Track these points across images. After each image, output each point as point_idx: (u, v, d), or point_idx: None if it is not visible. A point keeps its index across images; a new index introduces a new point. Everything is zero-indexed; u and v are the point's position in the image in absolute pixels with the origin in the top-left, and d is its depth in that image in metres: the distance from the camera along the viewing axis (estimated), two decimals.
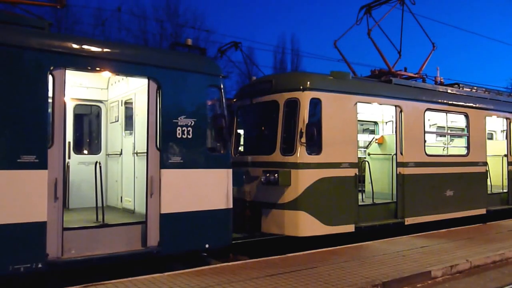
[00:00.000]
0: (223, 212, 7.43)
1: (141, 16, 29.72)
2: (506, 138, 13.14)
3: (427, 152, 10.64)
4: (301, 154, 8.51)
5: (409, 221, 10.07)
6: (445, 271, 7.24)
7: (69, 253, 6.09)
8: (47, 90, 5.95)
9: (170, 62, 7.12)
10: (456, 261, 7.57)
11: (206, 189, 7.25)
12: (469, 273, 7.47)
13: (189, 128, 7.04)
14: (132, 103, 8.13)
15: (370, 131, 12.87)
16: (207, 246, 7.33)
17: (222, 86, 7.59)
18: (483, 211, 11.90)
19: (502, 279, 7.09)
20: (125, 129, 8.61)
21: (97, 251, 6.34)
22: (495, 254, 8.23)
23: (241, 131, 10.50)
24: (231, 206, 7.56)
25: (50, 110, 6.00)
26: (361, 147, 10.48)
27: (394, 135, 10.07)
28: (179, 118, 6.95)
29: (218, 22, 77.70)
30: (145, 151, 6.87)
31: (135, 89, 7.79)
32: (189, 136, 7.05)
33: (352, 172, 9.08)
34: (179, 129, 6.95)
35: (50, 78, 6.00)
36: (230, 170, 7.60)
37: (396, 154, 9.99)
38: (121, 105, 8.60)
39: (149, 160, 6.78)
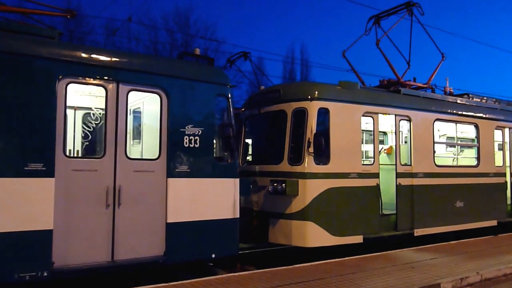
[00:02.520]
0: (230, 221, 7.39)
1: (152, 26, 30.08)
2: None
3: (437, 163, 10.53)
4: (308, 164, 8.47)
5: (418, 232, 9.94)
6: (455, 284, 7.11)
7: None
8: (55, 99, 6.01)
9: (178, 71, 7.16)
10: (466, 274, 7.43)
11: (213, 198, 7.24)
12: (479, 286, 7.33)
13: (196, 137, 7.05)
14: (140, 112, 8.17)
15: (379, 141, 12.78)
16: (213, 256, 7.29)
17: (230, 96, 7.61)
18: (494, 222, 11.71)
19: None
20: (133, 138, 8.64)
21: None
22: (506, 267, 8.07)
23: (249, 141, 10.51)
24: (238, 215, 7.53)
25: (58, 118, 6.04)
26: (369, 157, 10.39)
27: (394, 145, 9.98)
28: (186, 127, 6.97)
29: (228, 32, 78.32)
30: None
31: (143, 98, 7.83)
32: (196, 145, 7.06)
33: (361, 182, 9.02)
34: (186, 138, 6.96)
35: (59, 86, 6.06)
36: (237, 180, 7.58)
37: (396, 164, 9.85)
38: (130, 114, 8.63)
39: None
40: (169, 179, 6.84)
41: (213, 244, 7.26)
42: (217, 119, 7.65)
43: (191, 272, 7.53)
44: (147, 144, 7.62)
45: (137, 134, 8.40)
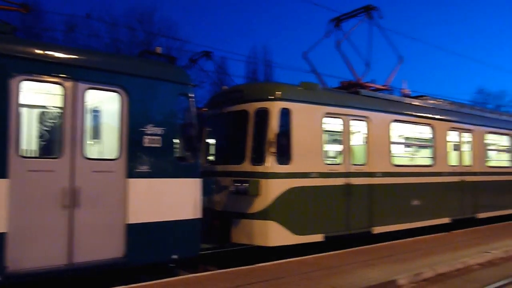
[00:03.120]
0: (191, 222, 7.34)
1: (113, 23, 29.38)
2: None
3: (394, 163, 10.86)
4: (270, 163, 8.54)
5: (376, 230, 10.21)
6: (411, 280, 7.36)
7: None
8: (8, 97, 5.78)
9: (138, 70, 7.04)
10: (421, 269, 7.71)
11: (174, 199, 7.16)
12: (434, 281, 7.62)
13: (157, 137, 6.96)
14: (99, 111, 7.97)
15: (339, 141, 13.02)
16: (175, 257, 7.21)
17: (191, 95, 7.55)
18: (447, 220, 12.20)
19: (464, 286, 7.28)
20: (92, 138, 8.43)
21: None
22: (458, 262, 8.44)
23: (211, 140, 10.47)
24: (200, 216, 7.48)
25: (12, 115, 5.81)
26: (331, 157, 10.58)
27: (352, 145, 10.04)
28: (147, 127, 6.87)
29: (192, 32, 77.54)
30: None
31: (102, 97, 7.65)
32: (158, 145, 6.97)
33: (323, 181, 9.17)
34: (147, 138, 6.86)
35: (12, 84, 5.83)
36: (200, 180, 7.54)
37: (341, 164, 9.79)
38: (88, 113, 8.41)
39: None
40: (129, 180, 6.72)
41: (174, 245, 7.19)
42: (178, 119, 7.57)
43: (152, 273, 7.43)
44: (107, 144, 7.46)
45: (96, 134, 8.20)
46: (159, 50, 7.98)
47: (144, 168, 6.85)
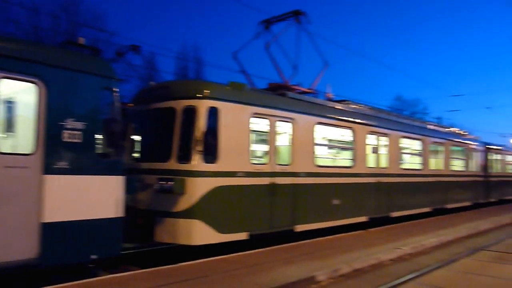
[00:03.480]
0: (113, 220, 7.11)
1: (34, 9, 27.47)
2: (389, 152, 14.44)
3: (317, 163, 11.29)
4: (197, 162, 8.51)
5: (298, 228, 10.55)
6: (329, 275, 7.71)
7: None
8: None
9: (59, 61, 6.68)
10: (339, 266, 8.10)
11: (94, 197, 6.89)
12: (350, 276, 8.03)
13: (78, 132, 6.65)
14: (14, 102, 7.45)
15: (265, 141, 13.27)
16: (94, 257, 6.94)
17: (116, 89, 7.31)
18: (365, 218, 12.91)
19: (377, 280, 7.73)
20: (6, 131, 7.85)
21: None
22: (372, 258, 8.97)
23: (136, 137, 10.18)
24: (122, 214, 7.27)
25: None
26: (257, 157, 10.76)
27: (268, 146, 10.08)
28: (67, 121, 6.54)
29: (120, 24, 74.70)
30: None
31: (18, 87, 7.16)
32: (78, 141, 6.66)
33: (250, 181, 9.30)
34: (66, 133, 6.53)
35: None
36: (123, 177, 7.32)
37: (267, 164, 9.94)
38: (1, 104, 7.83)
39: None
40: (46, 176, 6.35)
41: (94, 244, 6.92)
42: (101, 114, 7.29)
43: (70, 274, 7.09)
44: (22, 138, 6.98)
45: (10, 127, 7.65)
46: (82, 41, 7.62)
47: (62, 164, 6.52)
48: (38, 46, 9.57)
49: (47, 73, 6.44)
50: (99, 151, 7.19)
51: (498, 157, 25.55)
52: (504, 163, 26.37)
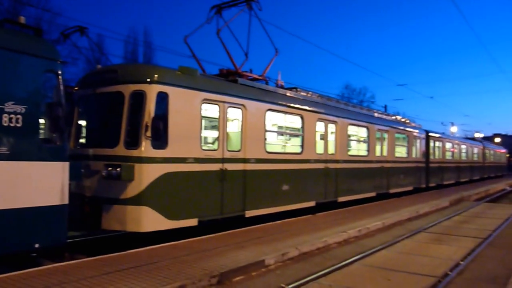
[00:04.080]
0: (57, 208, 6.87)
1: None
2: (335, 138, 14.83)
3: (267, 150, 11.42)
4: (146, 148, 8.36)
5: (249, 213, 10.67)
6: (277, 259, 7.89)
7: None
8: None
9: None
10: (287, 250, 8.30)
11: (37, 184, 6.62)
12: (298, 260, 8.27)
13: (18, 116, 6.33)
14: None
15: (216, 127, 13.25)
16: (37, 246, 6.70)
17: (60, 72, 7.01)
18: (313, 203, 13.25)
19: (324, 263, 8.01)
20: None
21: None
22: (319, 241, 9.26)
23: (82, 122, 9.86)
24: (66, 202, 7.04)
25: None
26: (208, 143, 10.73)
27: (218, 132, 10.05)
28: (6, 104, 6.20)
29: (67, 5, 70.97)
30: None
31: None
32: (18, 125, 6.35)
33: (200, 167, 9.27)
34: (6, 117, 6.20)
35: None
36: (67, 163, 7.07)
37: (217, 150, 9.93)
38: None
39: None
40: None
41: (37, 233, 6.67)
42: (44, 97, 6.98)
43: (12, 264, 6.81)
44: None
45: None
46: (22, 20, 7.21)
47: (2, 150, 6.20)
48: None
49: None
50: (42, 136, 6.90)
51: (438, 144, 26.95)
52: (443, 150, 27.86)
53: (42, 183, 6.69)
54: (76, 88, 9.91)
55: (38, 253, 7.31)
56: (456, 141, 32.46)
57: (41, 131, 6.93)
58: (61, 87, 7.01)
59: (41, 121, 6.88)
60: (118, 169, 8.24)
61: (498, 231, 12.08)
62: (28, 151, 6.54)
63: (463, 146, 33.93)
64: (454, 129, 49.17)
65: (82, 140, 9.80)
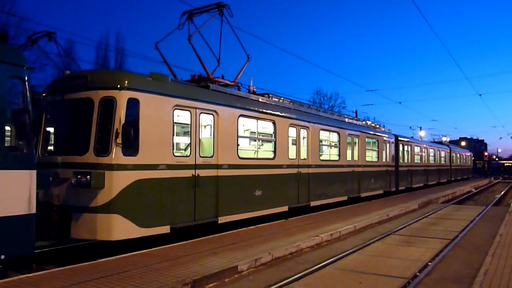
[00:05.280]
0: (23, 218, 6.67)
1: None
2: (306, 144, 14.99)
3: (240, 155, 11.44)
4: (116, 155, 8.25)
5: (222, 219, 10.65)
6: (250, 265, 7.90)
7: None
8: None
9: None
10: (260, 255, 8.32)
11: (2, 193, 6.40)
12: (271, 265, 8.30)
13: None
14: None
15: (188, 134, 13.18)
16: (2, 257, 6.48)
17: (26, 78, 6.84)
18: (286, 208, 13.34)
19: (297, 267, 8.07)
20: None
21: None
22: (292, 246, 9.32)
23: (50, 129, 9.64)
24: (34, 211, 6.84)
25: None
26: (180, 149, 10.66)
27: (190, 138, 9.99)
28: None
29: (35, 10, 69.29)
30: None
31: None
32: None
33: (172, 173, 9.20)
34: None
35: None
36: (34, 172, 6.89)
37: (189, 156, 9.91)
38: None
39: None
40: None
41: (3, 243, 6.46)
42: (10, 104, 6.80)
43: None
44: None
45: None
46: None
47: None
48: None
49: None
50: (8, 144, 6.71)
51: (407, 148, 27.60)
52: (412, 153, 28.54)
53: (7, 192, 6.49)
54: (43, 94, 9.69)
55: (4, 265, 7.09)
56: (424, 145, 33.32)
57: (7, 138, 6.75)
58: (28, 93, 6.84)
59: (7, 128, 6.70)
60: (88, 176, 8.10)
61: (464, 232, 12.45)
62: None
63: (431, 150, 34.84)
64: (422, 133, 50.51)
65: (51, 148, 9.57)
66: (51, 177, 8.59)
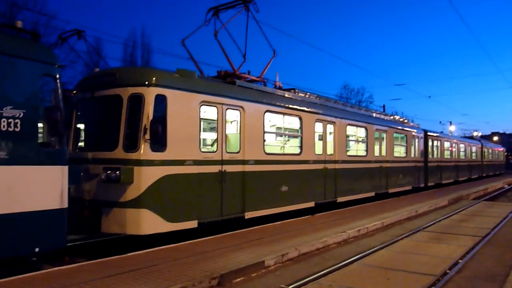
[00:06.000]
0: (56, 212, 6.88)
1: None
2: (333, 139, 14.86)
3: (266, 151, 11.44)
4: (144, 150, 8.38)
5: (248, 215, 10.69)
6: (277, 260, 7.90)
7: None
8: None
9: None
10: (287, 250, 8.32)
11: (36, 188, 6.62)
12: (297, 260, 8.28)
13: (16, 120, 6.34)
14: None
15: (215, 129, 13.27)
16: (37, 250, 6.70)
17: (58, 76, 7.02)
18: (312, 204, 13.27)
19: (324, 263, 8.02)
20: None
21: None
22: (319, 242, 9.27)
23: (81, 125, 9.87)
24: (66, 205, 7.04)
25: None
26: (207, 145, 10.75)
27: (217, 134, 10.05)
28: (4, 109, 6.20)
29: (63, 8, 70.87)
30: None
31: None
32: (17, 129, 6.35)
33: (199, 169, 9.29)
34: (4, 121, 6.20)
35: None
36: (66, 167, 7.09)
37: (216, 152, 9.97)
38: None
39: None
40: None
41: (37, 237, 6.67)
42: (42, 101, 7.00)
43: (11, 268, 6.82)
44: None
45: None
46: (19, 24, 7.23)
47: (0, 154, 6.20)
48: None
49: None
50: (41, 141, 6.91)
51: (437, 143, 27.01)
52: (442, 149, 27.92)
53: (41, 187, 6.70)
54: (74, 92, 9.92)
55: (39, 257, 7.33)
56: (455, 140, 32.53)
57: (40, 135, 6.95)
58: (59, 91, 7.02)
59: (40, 125, 6.89)
60: (117, 172, 8.26)
61: (496, 229, 12.11)
62: (27, 156, 6.55)
63: (462, 145, 34.00)
64: (452, 128, 49.36)
65: (81, 144, 9.81)
66: (82, 172, 8.79)
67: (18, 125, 6.38)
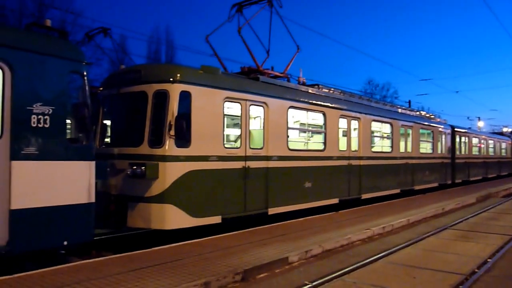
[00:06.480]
0: (84, 206, 7.03)
1: None
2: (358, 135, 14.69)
3: (290, 147, 11.40)
4: (169, 146, 8.47)
5: (272, 211, 10.69)
6: (301, 256, 7.88)
7: None
8: None
9: (24, 44, 6.47)
10: (310, 247, 8.28)
11: (65, 182, 6.78)
12: (321, 257, 8.24)
13: (46, 117, 6.50)
14: None
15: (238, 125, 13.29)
16: (65, 243, 6.87)
17: (85, 73, 7.16)
18: (336, 200, 13.18)
19: (348, 260, 7.95)
20: None
21: None
22: (343, 239, 9.20)
23: (107, 122, 10.05)
24: (93, 200, 7.19)
25: None
26: (230, 141, 10.79)
27: (241, 130, 10.07)
28: (34, 106, 6.37)
29: (89, 6, 72.21)
30: None
31: None
32: (46, 125, 6.51)
33: (223, 165, 9.34)
34: (34, 118, 6.38)
35: None
36: (93, 162, 7.23)
37: (240, 148, 10.00)
38: None
39: None
40: (14, 162, 6.21)
41: (65, 230, 6.84)
42: (70, 98, 7.15)
43: (40, 261, 7.01)
44: None
45: None
46: (48, 23, 7.40)
47: (31, 150, 6.38)
48: (3, 29, 9.23)
49: (13, 57, 6.25)
50: (69, 136, 7.07)
51: (465, 139, 26.38)
52: (470, 145, 27.26)
53: (69, 182, 6.86)
54: (100, 89, 10.10)
55: (67, 250, 7.51)
56: (483, 136, 31.72)
57: (68, 131, 7.11)
58: (87, 88, 7.16)
59: (68, 121, 7.05)
60: (143, 167, 8.38)
61: None
62: (56, 151, 6.71)
63: (491, 141, 33.12)
64: (481, 124, 48.15)
65: (107, 140, 9.99)
66: (109, 168, 8.96)
67: (48, 121, 6.53)
